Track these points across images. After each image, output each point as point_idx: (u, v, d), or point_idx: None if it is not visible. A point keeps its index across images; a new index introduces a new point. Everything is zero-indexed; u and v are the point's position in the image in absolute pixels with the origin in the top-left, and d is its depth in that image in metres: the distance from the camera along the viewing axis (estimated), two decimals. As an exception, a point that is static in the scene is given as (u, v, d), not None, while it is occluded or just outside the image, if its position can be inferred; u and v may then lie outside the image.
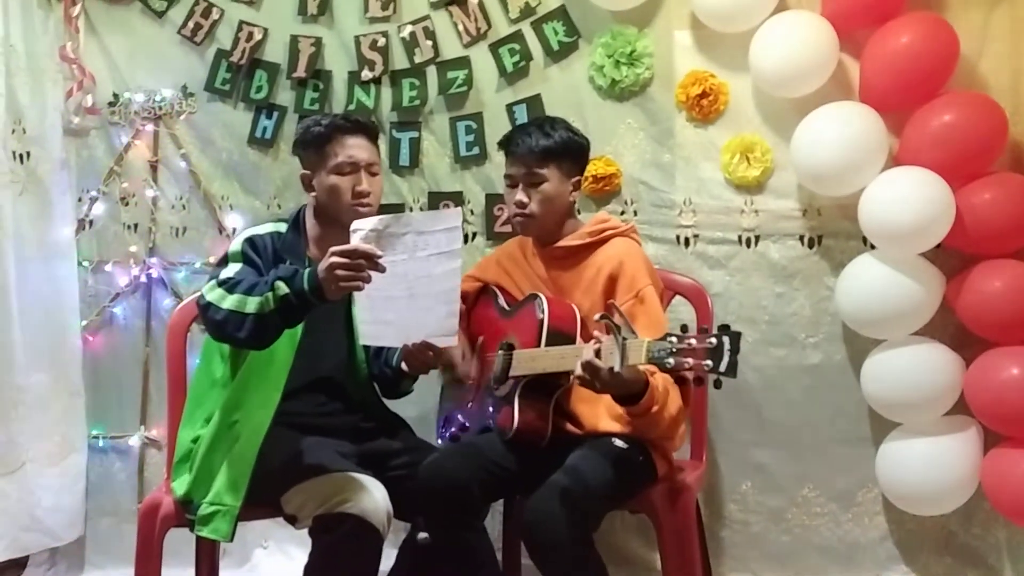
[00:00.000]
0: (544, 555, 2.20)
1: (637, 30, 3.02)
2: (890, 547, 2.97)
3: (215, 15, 3.17)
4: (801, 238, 2.99)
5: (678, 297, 2.82)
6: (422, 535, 2.36)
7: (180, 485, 2.37)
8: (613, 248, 2.46)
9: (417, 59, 3.11)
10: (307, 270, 2.13)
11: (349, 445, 2.43)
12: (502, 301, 2.57)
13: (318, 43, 3.14)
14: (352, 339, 2.51)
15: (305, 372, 2.40)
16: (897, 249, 2.76)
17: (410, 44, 3.11)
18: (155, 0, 3.19)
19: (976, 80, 2.88)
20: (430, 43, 3.10)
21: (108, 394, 3.20)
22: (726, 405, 2.97)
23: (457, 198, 3.11)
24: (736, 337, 1.92)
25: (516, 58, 3.07)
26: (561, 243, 2.50)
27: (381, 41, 3.11)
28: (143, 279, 3.19)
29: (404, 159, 3.13)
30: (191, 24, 3.18)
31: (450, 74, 3.10)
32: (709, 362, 1.92)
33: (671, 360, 1.96)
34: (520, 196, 2.46)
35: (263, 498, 2.28)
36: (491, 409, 2.45)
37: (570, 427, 2.41)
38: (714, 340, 1.92)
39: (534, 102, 3.07)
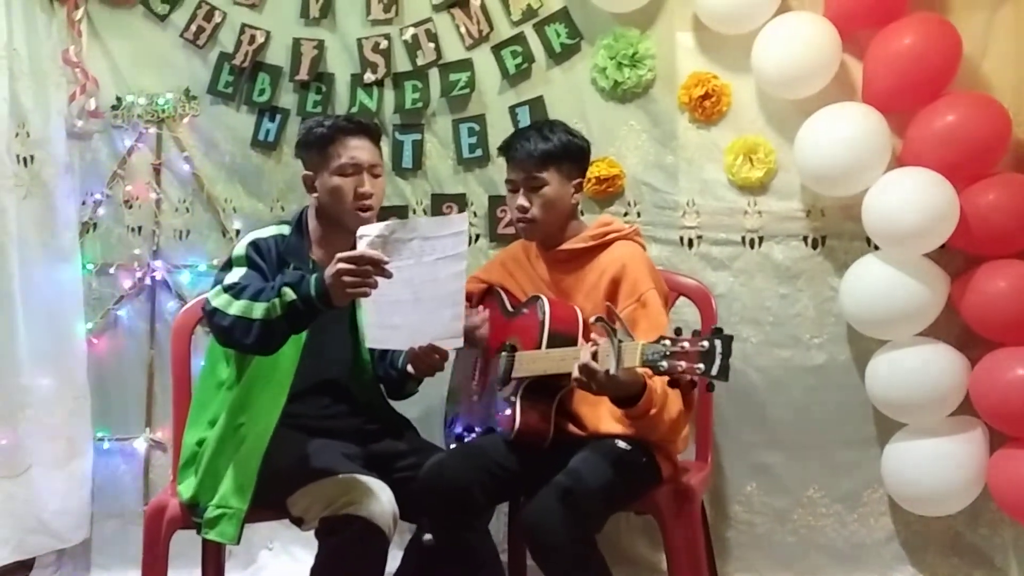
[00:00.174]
0: (545, 555, 2.21)
1: (639, 32, 3.02)
2: (896, 548, 2.97)
3: (217, 18, 3.17)
4: (805, 239, 2.99)
5: (682, 299, 2.82)
6: (427, 536, 2.36)
7: (186, 488, 2.37)
8: (616, 251, 2.45)
9: (419, 61, 3.11)
10: (314, 276, 2.12)
11: (355, 447, 2.43)
12: (506, 303, 2.57)
13: (320, 46, 3.14)
14: (357, 341, 2.51)
15: (310, 374, 2.40)
16: (901, 250, 2.76)
17: (412, 46, 3.11)
18: (157, 3, 3.19)
19: (979, 81, 2.88)
20: (432, 45, 3.10)
21: (113, 397, 3.19)
22: (731, 406, 2.96)
23: (460, 200, 3.11)
24: (728, 340, 1.91)
25: (518, 60, 3.07)
26: (564, 246, 2.49)
27: (383, 43, 3.11)
28: (147, 282, 3.19)
29: (407, 161, 3.13)
30: (194, 27, 3.18)
31: (452, 76, 3.10)
32: (701, 365, 1.91)
33: (664, 363, 1.96)
34: (521, 201, 2.45)
35: (269, 500, 2.28)
36: (494, 410, 2.45)
37: (573, 428, 2.41)
38: (706, 344, 1.92)
39: (536, 104, 3.07)
